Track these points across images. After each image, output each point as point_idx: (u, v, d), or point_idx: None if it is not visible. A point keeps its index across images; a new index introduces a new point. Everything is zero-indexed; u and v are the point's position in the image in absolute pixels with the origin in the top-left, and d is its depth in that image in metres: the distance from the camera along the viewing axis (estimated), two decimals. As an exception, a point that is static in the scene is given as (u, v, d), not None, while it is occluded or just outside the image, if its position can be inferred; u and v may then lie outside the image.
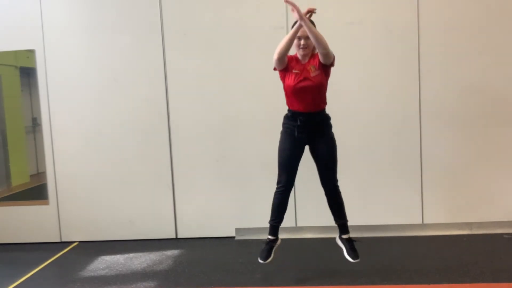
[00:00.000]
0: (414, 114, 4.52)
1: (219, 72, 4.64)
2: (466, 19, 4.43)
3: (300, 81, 3.41)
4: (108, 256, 4.44)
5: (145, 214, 4.81)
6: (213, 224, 4.75)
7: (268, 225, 3.63)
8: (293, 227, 4.65)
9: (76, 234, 4.90)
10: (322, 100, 3.50)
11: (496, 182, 4.51)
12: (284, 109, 3.52)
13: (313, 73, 3.41)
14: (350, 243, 3.57)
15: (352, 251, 3.53)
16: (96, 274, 4.03)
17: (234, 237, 4.75)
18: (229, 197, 4.71)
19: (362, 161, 4.51)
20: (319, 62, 3.42)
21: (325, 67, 3.44)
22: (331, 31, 4.47)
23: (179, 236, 4.82)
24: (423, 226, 4.60)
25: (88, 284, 3.82)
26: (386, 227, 4.61)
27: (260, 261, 3.56)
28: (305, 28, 3.28)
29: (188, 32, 4.64)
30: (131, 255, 4.44)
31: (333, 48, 4.50)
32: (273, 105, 4.56)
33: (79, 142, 4.80)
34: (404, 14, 4.46)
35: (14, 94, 5.27)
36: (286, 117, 3.55)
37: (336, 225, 3.62)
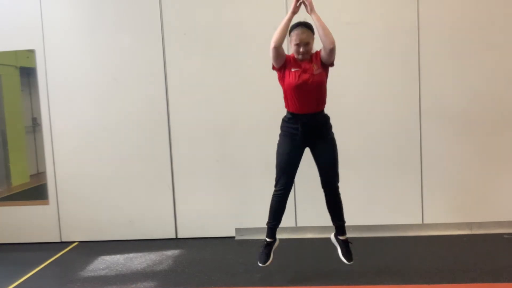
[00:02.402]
0: (414, 114, 4.52)
1: (219, 71, 4.64)
2: (466, 19, 4.43)
3: (303, 79, 3.35)
4: (108, 256, 4.44)
5: (145, 214, 4.81)
6: (213, 224, 4.75)
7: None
8: (293, 227, 4.65)
9: (76, 234, 4.90)
10: (322, 101, 3.48)
11: (496, 182, 4.51)
12: (284, 108, 3.51)
13: (316, 71, 3.37)
14: (346, 245, 3.57)
15: (347, 253, 3.54)
16: (96, 274, 4.03)
17: (234, 237, 4.75)
18: (229, 197, 4.72)
19: (362, 161, 4.51)
20: (321, 61, 3.40)
21: (325, 67, 3.43)
22: (330, 31, 4.49)
23: (179, 236, 4.82)
24: (423, 226, 4.60)
25: (88, 284, 3.82)
26: (386, 227, 4.61)
27: (260, 264, 3.56)
28: (316, 22, 3.29)
29: (188, 32, 4.64)
30: (131, 255, 4.44)
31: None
32: (273, 105, 4.55)
33: (79, 142, 4.80)
34: (404, 14, 4.46)
35: (14, 94, 5.27)
36: (286, 120, 3.51)
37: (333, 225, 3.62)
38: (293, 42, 3.40)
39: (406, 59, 4.49)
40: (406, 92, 4.51)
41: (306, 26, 3.39)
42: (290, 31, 3.43)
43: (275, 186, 3.51)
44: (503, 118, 4.47)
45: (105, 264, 4.25)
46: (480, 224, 4.54)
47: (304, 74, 3.37)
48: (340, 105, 4.47)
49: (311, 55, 3.45)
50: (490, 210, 4.53)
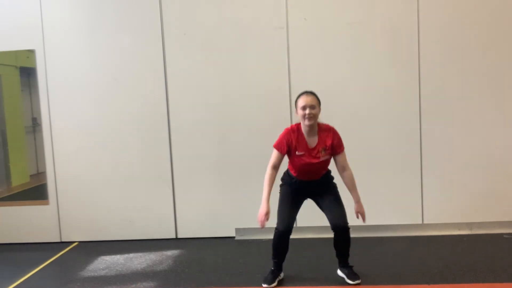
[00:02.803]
0: (414, 114, 4.52)
1: (219, 72, 4.64)
2: (466, 19, 4.43)
3: (308, 164, 3.40)
4: (108, 256, 4.44)
5: (145, 214, 4.81)
6: (213, 224, 4.75)
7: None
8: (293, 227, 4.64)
9: (76, 234, 4.90)
10: (325, 171, 3.54)
11: (496, 182, 4.51)
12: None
13: (323, 157, 3.42)
14: (350, 269, 3.61)
15: (353, 275, 3.57)
16: (96, 274, 4.03)
17: (234, 237, 4.75)
18: (229, 197, 4.72)
19: (362, 161, 4.50)
20: (331, 146, 3.41)
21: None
22: (331, 31, 4.50)
23: (179, 236, 4.82)
24: (423, 226, 4.60)
25: (88, 284, 3.82)
26: (386, 227, 4.61)
27: (264, 285, 3.56)
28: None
29: (188, 32, 4.64)
30: (131, 255, 4.44)
31: (333, 47, 4.54)
32: (273, 105, 4.57)
33: (79, 142, 4.80)
34: (404, 14, 4.46)
35: (14, 94, 5.27)
36: (287, 175, 3.59)
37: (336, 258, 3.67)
38: (300, 106, 3.38)
39: (406, 59, 4.49)
40: (406, 92, 4.51)
41: (311, 93, 3.43)
42: (296, 100, 3.45)
43: (276, 228, 3.55)
44: (503, 117, 4.47)
45: (105, 264, 4.25)
46: (480, 224, 4.54)
47: (309, 158, 3.40)
48: (340, 105, 4.48)
49: (323, 131, 3.44)
50: (490, 210, 4.53)
